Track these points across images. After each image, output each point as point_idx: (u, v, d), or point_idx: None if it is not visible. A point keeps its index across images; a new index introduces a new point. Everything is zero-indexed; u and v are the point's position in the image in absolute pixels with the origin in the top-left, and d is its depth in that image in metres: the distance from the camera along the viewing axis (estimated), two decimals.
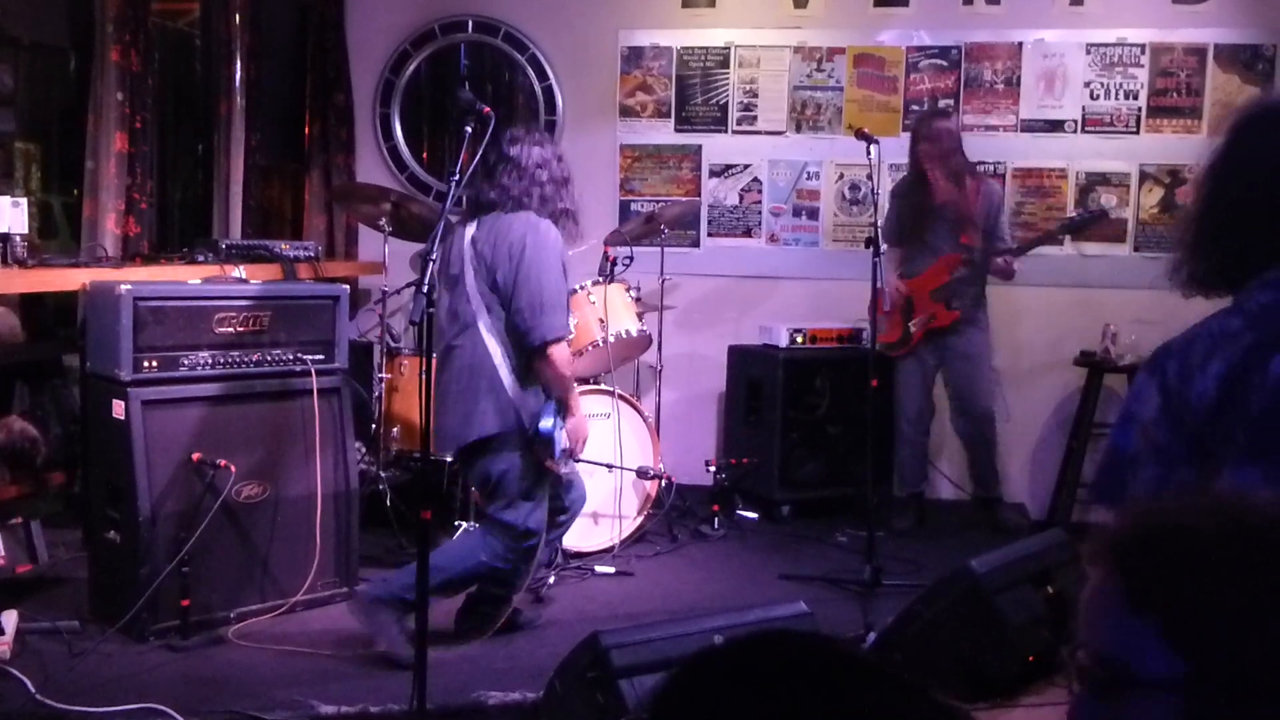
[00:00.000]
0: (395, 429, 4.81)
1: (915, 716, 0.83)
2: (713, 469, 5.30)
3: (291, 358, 3.93)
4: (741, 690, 0.81)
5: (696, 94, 6.04)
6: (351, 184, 6.02)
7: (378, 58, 6.25)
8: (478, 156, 3.42)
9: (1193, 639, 0.91)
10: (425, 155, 6.38)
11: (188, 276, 4.25)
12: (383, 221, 4.98)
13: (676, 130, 6.07)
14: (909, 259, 5.17)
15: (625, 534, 4.81)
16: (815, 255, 6.01)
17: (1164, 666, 0.92)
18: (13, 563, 3.91)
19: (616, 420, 4.75)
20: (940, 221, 5.02)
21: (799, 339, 5.43)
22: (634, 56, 6.07)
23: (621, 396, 4.79)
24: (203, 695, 3.21)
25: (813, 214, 6.02)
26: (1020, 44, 5.75)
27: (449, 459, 4.12)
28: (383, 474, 4.75)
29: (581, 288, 4.86)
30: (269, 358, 3.89)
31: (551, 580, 4.31)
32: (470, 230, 3.61)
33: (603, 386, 4.82)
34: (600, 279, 4.92)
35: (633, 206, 6.06)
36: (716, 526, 5.14)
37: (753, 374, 5.56)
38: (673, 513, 5.12)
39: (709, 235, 6.09)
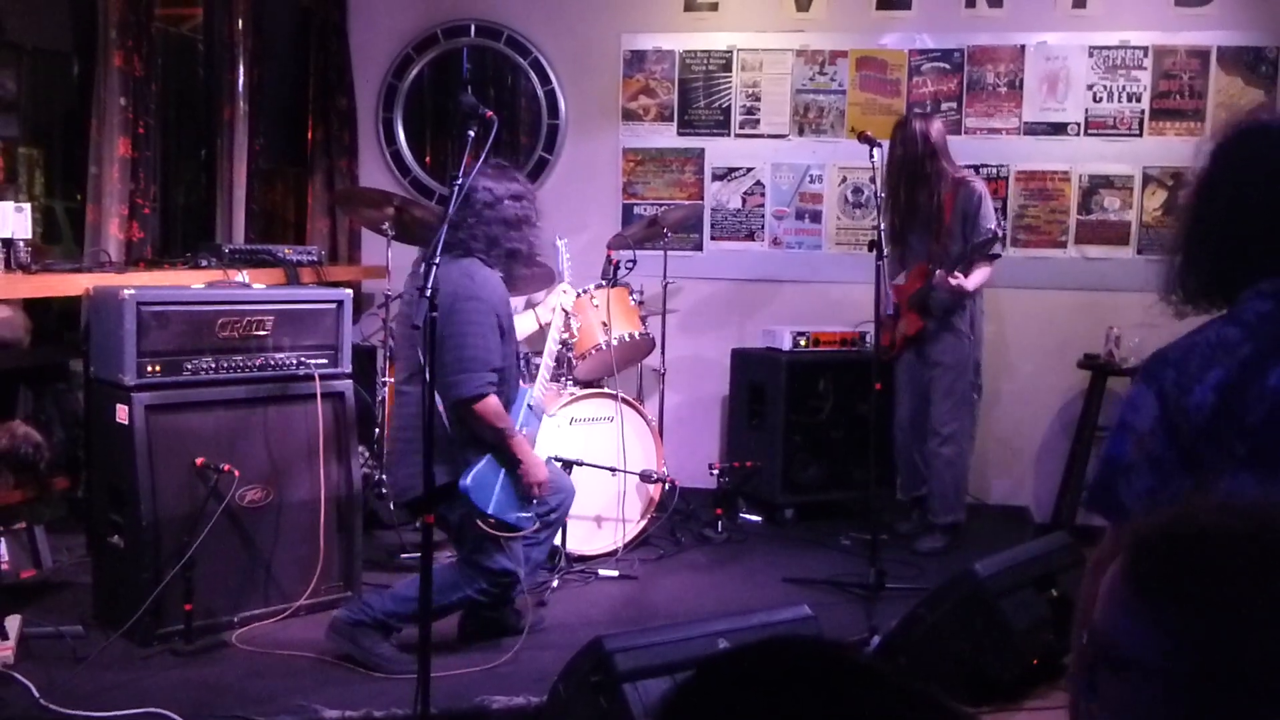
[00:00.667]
0: None
1: None
2: (716, 472, 5.30)
3: (295, 362, 3.93)
4: (747, 697, 0.81)
5: (699, 97, 6.04)
6: (354, 188, 6.02)
7: (380, 62, 6.26)
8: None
9: (1190, 630, 0.92)
10: (428, 159, 6.39)
11: (191, 281, 4.26)
12: (386, 226, 4.99)
13: (679, 134, 6.07)
14: (900, 264, 5.12)
15: (628, 538, 4.81)
16: (818, 258, 6.01)
17: (1150, 653, 0.93)
18: (16, 567, 3.91)
19: (620, 424, 4.75)
20: (920, 227, 4.93)
21: (802, 342, 5.43)
22: (636, 60, 6.08)
23: (625, 400, 4.79)
24: (206, 700, 3.20)
25: (815, 217, 6.02)
26: (1023, 47, 5.75)
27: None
28: (386, 478, 4.75)
29: (585, 291, 4.87)
30: (272, 362, 3.89)
31: (554, 584, 4.31)
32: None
33: (606, 390, 4.82)
34: (603, 282, 4.93)
35: (635, 210, 6.07)
36: (720, 530, 5.14)
37: (756, 377, 5.56)
38: (676, 516, 5.11)
39: (712, 239, 6.10)
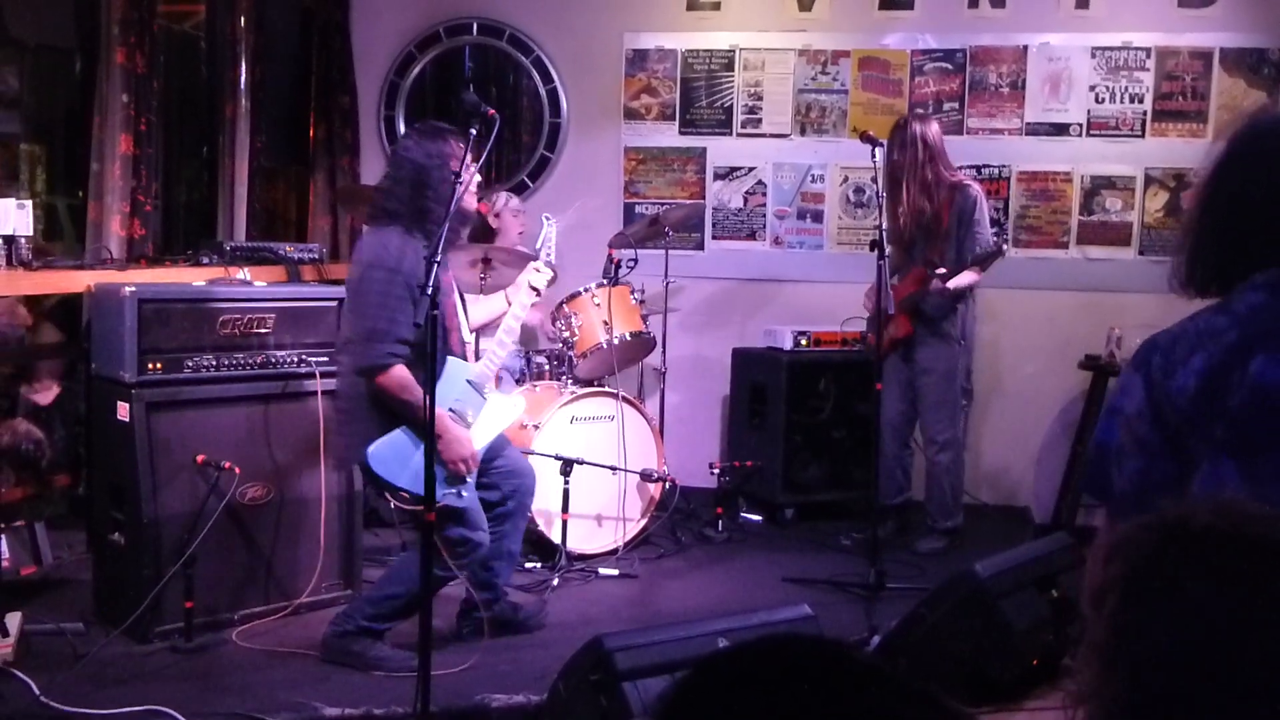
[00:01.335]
0: None
1: None
2: (716, 472, 5.30)
3: (296, 360, 3.93)
4: (747, 695, 0.81)
5: (701, 97, 6.04)
6: (356, 186, 6.02)
7: (382, 60, 6.26)
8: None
9: (1189, 629, 0.92)
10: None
11: (192, 278, 4.26)
12: None
13: (681, 133, 6.07)
14: (897, 267, 5.08)
15: (629, 537, 4.81)
16: (820, 258, 6.01)
17: (1150, 649, 0.94)
18: (17, 564, 3.92)
19: (620, 423, 4.75)
20: (916, 231, 4.89)
21: (803, 342, 5.42)
22: (639, 59, 6.08)
23: (625, 399, 4.79)
24: (206, 697, 3.21)
25: (817, 217, 6.02)
26: (1025, 47, 5.75)
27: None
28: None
29: (586, 290, 4.87)
30: (273, 360, 3.89)
31: (555, 583, 4.31)
32: None
33: (607, 389, 4.82)
34: (605, 281, 4.93)
35: (637, 209, 6.07)
36: (720, 529, 5.14)
37: (757, 377, 5.56)
38: (676, 515, 5.11)
39: (713, 238, 6.10)
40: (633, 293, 5.02)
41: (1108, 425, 1.69)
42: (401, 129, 6.26)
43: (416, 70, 6.24)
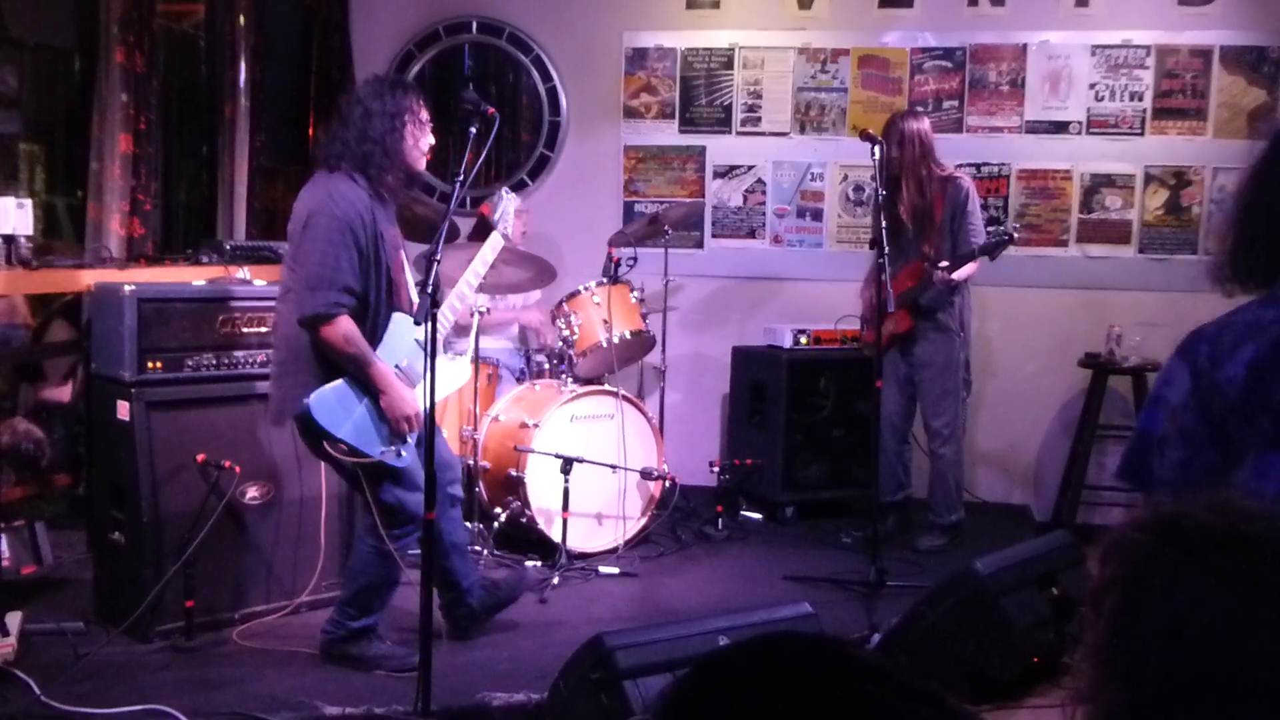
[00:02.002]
0: None
1: (921, 718, 0.83)
2: (716, 470, 5.30)
3: None
4: (748, 693, 0.81)
5: (701, 95, 6.04)
6: None
7: (382, 59, 6.25)
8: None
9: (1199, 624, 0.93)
10: (429, 156, 6.37)
11: (192, 278, 4.25)
12: None
13: (680, 131, 6.07)
14: (891, 262, 5.06)
15: (629, 535, 4.81)
16: (819, 256, 6.01)
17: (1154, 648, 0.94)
18: (17, 564, 3.91)
19: (620, 421, 4.75)
20: (912, 226, 4.89)
21: (803, 340, 5.42)
22: (638, 58, 6.07)
23: (625, 397, 4.79)
24: (207, 696, 3.21)
25: (817, 215, 6.02)
26: (1025, 45, 5.74)
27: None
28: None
29: (586, 289, 4.87)
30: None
31: (555, 581, 4.31)
32: None
33: (607, 387, 4.82)
34: (604, 280, 4.93)
35: (637, 208, 6.07)
36: (720, 527, 5.14)
37: (756, 375, 5.56)
38: (677, 514, 5.12)
39: (713, 236, 6.09)
40: (632, 291, 5.02)
41: (1151, 414, 1.68)
42: None
43: (416, 69, 6.24)
